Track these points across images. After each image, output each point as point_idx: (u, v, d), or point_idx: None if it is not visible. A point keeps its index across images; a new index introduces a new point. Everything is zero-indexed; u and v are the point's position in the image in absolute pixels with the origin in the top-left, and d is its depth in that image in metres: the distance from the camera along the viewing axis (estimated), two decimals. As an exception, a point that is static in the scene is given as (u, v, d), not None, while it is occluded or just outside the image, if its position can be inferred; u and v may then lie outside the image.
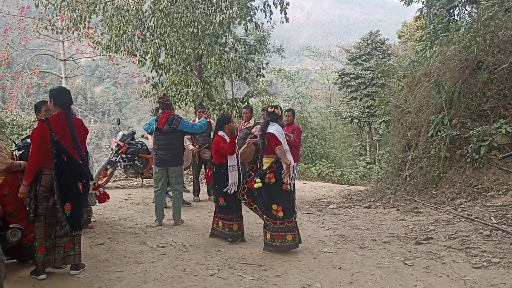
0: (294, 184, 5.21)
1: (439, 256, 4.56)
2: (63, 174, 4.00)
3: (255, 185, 4.82)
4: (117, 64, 20.96)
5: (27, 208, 4.17)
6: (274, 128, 4.88)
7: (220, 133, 5.49)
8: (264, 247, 4.96)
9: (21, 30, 19.23)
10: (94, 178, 7.39)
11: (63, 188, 3.97)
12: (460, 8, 10.97)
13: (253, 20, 12.78)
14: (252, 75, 14.91)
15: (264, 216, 4.90)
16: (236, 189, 5.30)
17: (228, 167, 5.34)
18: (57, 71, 23.76)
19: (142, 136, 9.89)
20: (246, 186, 5.07)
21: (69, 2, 11.96)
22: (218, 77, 14.21)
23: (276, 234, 4.83)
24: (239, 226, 5.42)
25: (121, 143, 8.72)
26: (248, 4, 12.22)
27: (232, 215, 5.37)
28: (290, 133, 7.10)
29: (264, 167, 4.91)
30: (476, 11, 9.59)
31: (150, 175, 8.38)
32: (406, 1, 13.69)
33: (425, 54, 10.89)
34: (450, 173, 7.58)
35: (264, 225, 4.97)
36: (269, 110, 5.11)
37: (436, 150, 7.95)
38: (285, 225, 4.82)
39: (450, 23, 10.50)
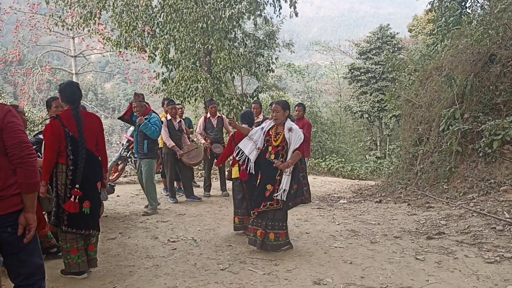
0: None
1: (451, 251, 4.52)
2: (87, 167, 3.88)
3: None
4: (127, 60, 21.04)
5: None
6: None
7: (245, 126, 5.54)
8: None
9: (32, 27, 19.37)
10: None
11: (81, 185, 3.84)
12: (472, 1, 10.83)
13: (262, 14, 12.76)
14: (262, 70, 14.89)
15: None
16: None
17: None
18: (68, 68, 23.92)
19: None
20: None
21: (79, -1, 12.04)
22: (227, 72, 14.23)
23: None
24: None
25: (131, 139, 8.76)
26: (257, -1, 12.21)
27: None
28: (300, 128, 7.09)
29: None
30: (488, 3, 9.46)
31: (160, 170, 8.42)
32: (417, -6, 13.54)
33: (436, 47, 10.78)
34: (462, 168, 7.50)
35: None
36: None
37: (448, 144, 7.87)
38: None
39: (462, 16, 10.37)
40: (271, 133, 4.81)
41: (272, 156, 4.71)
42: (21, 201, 2.34)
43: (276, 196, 4.59)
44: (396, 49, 24.70)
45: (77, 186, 3.80)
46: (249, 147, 4.83)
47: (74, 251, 3.87)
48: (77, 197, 3.80)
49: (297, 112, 7.87)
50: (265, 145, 4.78)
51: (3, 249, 2.32)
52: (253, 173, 4.88)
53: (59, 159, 3.86)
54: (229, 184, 9.44)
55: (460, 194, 6.93)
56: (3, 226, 2.26)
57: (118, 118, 7.64)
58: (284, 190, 4.59)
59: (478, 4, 11.27)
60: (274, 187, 4.65)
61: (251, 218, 4.84)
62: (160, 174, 8.70)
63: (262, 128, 4.86)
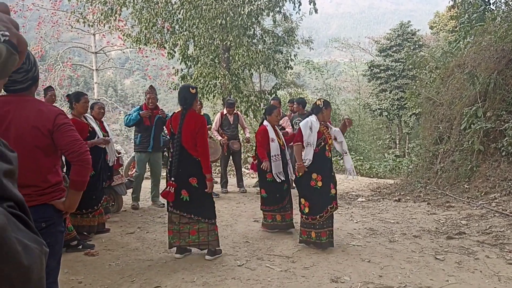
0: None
1: (472, 252, 4.45)
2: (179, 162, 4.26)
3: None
4: (146, 56, 21.20)
5: None
6: (304, 121, 4.87)
7: (265, 123, 5.54)
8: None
9: (54, 23, 19.65)
10: (124, 168, 7.57)
11: (176, 178, 4.25)
12: (496, -3, 10.59)
13: (282, 11, 12.70)
14: (280, 67, 14.82)
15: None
16: (283, 179, 5.31)
17: (271, 157, 5.36)
18: (89, 64, 24.25)
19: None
20: None
21: (100, -5, 12.17)
22: (246, 69, 14.19)
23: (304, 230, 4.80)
24: (283, 217, 5.44)
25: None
26: (277, -4, 12.15)
27: (273, 206, 5.42)
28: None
29: None
30: (513, -1, 9.26)
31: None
32: (439, -10, 13.32)
33: (458, 44, 10.58)
34: (483, 167, 7.37)
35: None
36: (317, 102, 5.02)
37: (469, 143, 7.73)
38: (309, 221, 4.76)
39: (486, 13, 10.16)
40: (322, 131, 4.80)
41: (330, 154, 4.84)
42: (59, 198, 2.39)
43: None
44: (417, 46, 24.33)
45: (172, 178, 4.24)
46: (311, 153, 4.79)
47: (170, 232, 4.38)
48: (173, 188, 4.23)
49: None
50: (322, 143, 4.76)
51: None
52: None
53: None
54: (246, 180, 9.47)
55: (482, 194, 6.81)
56: (39, 218, 2.28)
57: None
58: (351, 166, 5.02)
59: (503, 1, 11.02)
60: (335, 187, 4.80)
61: (306, 221, 4.79)
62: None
63: (311, 129, 4.82)
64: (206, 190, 4.29)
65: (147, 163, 6.96)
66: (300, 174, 4.74)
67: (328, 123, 4.91)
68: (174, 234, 4.34)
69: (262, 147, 5.47)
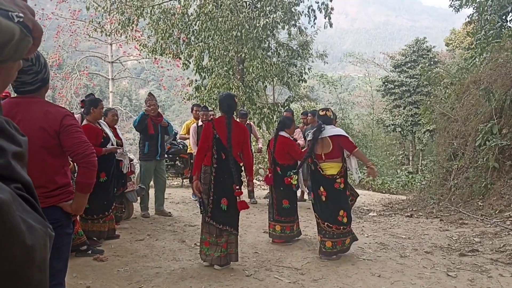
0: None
1: (485, 269, 4.36)
2: (221, 170, 4.31)
3: (292, 181, 5.02)
4: (162, 67, 21.44)
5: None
6: (337, 130, 4.87)
7: (283, 133, 5.54)
8: (323, 256, 4.75)
9: (72, 32, 20.00)
10: (136, 176, 7.60)
11: (218, 184, 4.31)
12: (514, 14, 10.53)
13: (297, 25, 12.77)
14: (294, 80, 14.86)
15: (326, 223, 4.72)
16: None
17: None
18: (105, 73, 24.55)
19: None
20: None
21: (118, 5, 12.35)
22: (260, 81, 14.25)
23: (338, 240, 4.71)
24: (298, 225, 5.58)
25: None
26: (292, 9, 12.23)
27: (293, 216, 5.48)
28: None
29: (330, 172, 4.77)
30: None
31: (189, 175, 8.50)
32: (455, 7, 13.29)
33: (474, 61, 10.50)
34: (498, 185, 7.25)
35: (322, 233, 4.78)
36: (321, 113, 5.04)
37: (484, 160, 7.63)
38: (347, 230, 4.75)
39: (503, 29, 10.10)
40: None
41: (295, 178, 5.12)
42: (67, 201, 2.40)
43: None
44: (432, 62, 24.23)
45: (237, 187, 4.31)
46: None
47: (206, 243, 4.35)
48: (241, 196, 4.35)
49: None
50: None
51: None
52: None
53: (205, 161, 4.36)
54: (257, 192, 9.44)
55: (496, 212, 6.68)
56: (47, 219, 2.29)
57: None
58: (356, 168, 4.95)
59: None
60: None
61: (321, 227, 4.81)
62: (188, 180, 8.76)
63: None
64: (249, 189, 4.54)
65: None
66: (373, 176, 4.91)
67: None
68: (211, 246, 4.33)
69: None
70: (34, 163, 2.24)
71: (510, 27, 10.37)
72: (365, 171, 5.78)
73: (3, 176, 0.65)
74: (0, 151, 0.66)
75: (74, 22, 19.87)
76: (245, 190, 8.87)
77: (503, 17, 10.48)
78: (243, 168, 4.70)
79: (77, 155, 2.34)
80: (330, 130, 4.83)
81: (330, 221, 4.69)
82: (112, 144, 5.20)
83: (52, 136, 2.32)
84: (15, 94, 2.45)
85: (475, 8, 11.64)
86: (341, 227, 4.68)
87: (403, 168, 24.09)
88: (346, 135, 4.87)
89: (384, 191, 14.07)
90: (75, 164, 2.55)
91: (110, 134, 5.23)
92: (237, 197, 4.32)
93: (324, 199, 4.74)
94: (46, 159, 2.33)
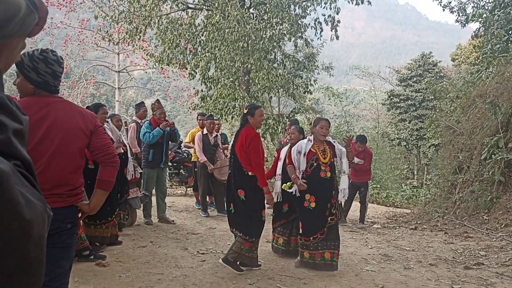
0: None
1: (490, 283, 4.30)
2: (230, 175, 4.61)
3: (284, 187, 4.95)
4: (168, 77, 21.58)
5: None
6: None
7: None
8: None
9: (80, 42, 20.19)
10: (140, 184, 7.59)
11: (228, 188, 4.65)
12: (520, 29, 10.54)
13: (303, 37, 12.83)
14: (300, 91, 14.88)
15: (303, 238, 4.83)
16: (280, 199, 5.24)
17: (276, 175, 5.36)
18: (111, 82, 24.70)
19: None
20: None
21: (126, 15, 12.47)
22: (265, 92, 14.29)
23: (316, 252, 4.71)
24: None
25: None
26: (299, 21, 12.30)
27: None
28: (361, 159, 7.31)
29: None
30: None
31: (193, 184, 8.50)
32: (462, 22, 13.32)
33: (480, 75, 10.50)
34: (504, 199, 7.19)
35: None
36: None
37: (490, 174, 7.58)
38: (302, 241, 4.73)
39: (509, 44, 10.11)
40: (314, 151, 4.77)
41: (329, 174, 4.73)
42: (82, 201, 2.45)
43: (334, 209, 4.72)
44: (437, 77, 24.20)
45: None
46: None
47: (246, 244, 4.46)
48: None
49: (360, 149, 7.95)
50: (315, 164, 4.74)
51: (50, 240, 2.35)
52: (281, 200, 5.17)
53: None
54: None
55: (502, 226, 6.62)
56: (66, 218, 2.32)
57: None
58: (344, 189, 4.85)
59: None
60: (331, 203, 4.72)
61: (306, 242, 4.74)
62: (192, 188, 8.76)
63: (299, 152, 4.82)
64: (266, 203, 4.54)
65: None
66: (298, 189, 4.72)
67: (333, 141, 4.97)
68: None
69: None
70: (69, 161, 2.32)
71: (516, 41, 10.39)
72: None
73: (3, 152, 0.64)
74: (1, 126, 0.65)
75: (82, 31, 20.08)
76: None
77: (510, 32, 10.49)
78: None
79: (106, 155, 2.43)
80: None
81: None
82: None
83: (87, 136, 2.38)
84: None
85: (482, 22, 11.67)
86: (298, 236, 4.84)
87: (407, 182, 23.94)
88: (292, 150, 4.98)
89: (388, 205, 13.98)
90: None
91: (114, 139, 5.24)
92: (242, 201, 4.41)
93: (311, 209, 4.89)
94: (78, 159, 2.39)
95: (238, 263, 4.45)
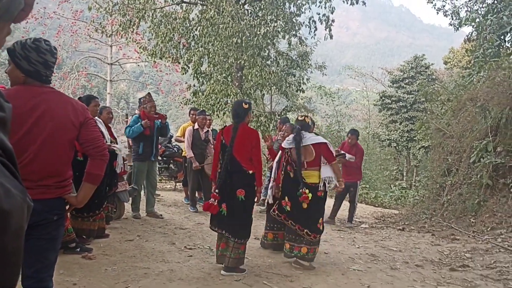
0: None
1: (474, 285, 4.34)
2: (223, 175, 4.31)
3: (307, 197, 4.66)
4: (161, 71, 21.47)
5: None
6: (319, 138, 4.87)
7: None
8: (295, 260, 4.76)
9: (73, 33, 20.02)
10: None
11: (220, 190, 4.29)
12: (512, 34, 10.62)
13: (297, 35, 12.83)
14: (292, 89, 14.88)
15: (305, 230, 4.66)
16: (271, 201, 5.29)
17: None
18: (103, 75, 24.53)
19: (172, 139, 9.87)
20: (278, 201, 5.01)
21: (120, 7, 12.38)
22: (258, 89, 14.27)
23: (312, 248, 4.71)
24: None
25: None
26: (294, 19, 12.29)
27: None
28: (352, 155, 7.28)
29: (313, 180, 4.76)
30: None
31: (182, 178, 8.47)
32: (455, 25, 13.39)
33: (472, 78, 10.57)
34: (491, 202, 7.25)
35: (297, 240, 4.73)
36: (299, 118, 5.03)
37: (478, 177, 7.64)
38: (319, 238, 4.77)
39: (501, 49, 10.18)
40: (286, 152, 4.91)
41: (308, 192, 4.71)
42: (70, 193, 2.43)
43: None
44: (430, 80, 24.33)
45: (216, 190, 4.25)
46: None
47: (223, 245, 4.36)
48: (216, 200, 4.22)
49: (349, 140, 7.92)
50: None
51: (36, 231, 2.32)
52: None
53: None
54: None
55: (488, 229, 6.68)
56: (53, 210, 2.30)
57: None
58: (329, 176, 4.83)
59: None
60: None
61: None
62: (182, 183, 8.73)
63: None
64: (255, 200, 4.47)
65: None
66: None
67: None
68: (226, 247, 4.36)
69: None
70: (58, 153, 2.30)
71: (508, 46, 10.47)
72: None
73: None
74: None
75: (75, 22, 19.91)
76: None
77: (502, 37, 10.57)
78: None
79: (96, 148, 2.41)
80: (313, 138, 4.84)
81: (310, 229, 4.66)
82: (106, 142, 5.17)
83: (76, 128, 2.36)
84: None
85: (474, 27, 11.74)
86: (318, 235, 4.74)
87: (396, 183, 24.08)
88: (327, 141, 4.90)
89: (377, 205, 14.04)
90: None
91: (105, 132, 5.20)
92: (241, 201, 4.26)
93: (305, 207, 4.67)
94: (66, 150, 2.37)
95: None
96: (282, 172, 4.90)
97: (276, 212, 4.88)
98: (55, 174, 2.31)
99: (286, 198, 4.79)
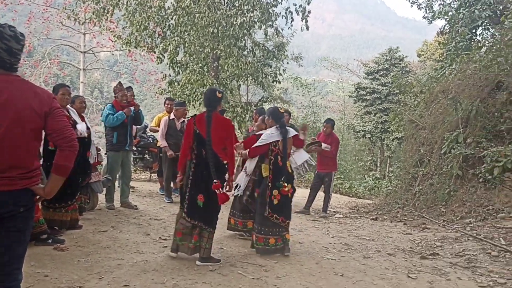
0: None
1: (444, 272, 4.46)
2: (200, 166, 4.25)
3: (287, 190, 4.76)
4: (135, 60, 21.13)
5: None
6: (293, 131, 4.96)
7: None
8: (261, 253, 4.79)
9: (45, 19, 19.50)
10: (102, 168, 7.44)
11: (196, 180, 4.26)
12: (483, 28, 10.86)
13: (274, 25, 12.79)
14: (268, 80, 14.87)
15: (287, 221, 4.83)
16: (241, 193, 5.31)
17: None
18: (76, 63, 24.02)
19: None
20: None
21: (93, -6, 12.11)
22: (234, 80, 14.21)
23: (279, 237, 4.81)
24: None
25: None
26: (270, 10, 12.24)
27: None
28: (328, 144, 7.34)
29: (290, 170, 4.92)
30: (499, 32, 9.49)
31: (157, 169, 8.40)
32: (428, 18, 13.61)
33: (444, 71, 10.80)
34: (461, 192, 7.46)
35: (279, 231, 4.79)
36: (282, 110, 5.06)
37: (449, 167, 7.84)
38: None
39: (472, 42, 10.41)
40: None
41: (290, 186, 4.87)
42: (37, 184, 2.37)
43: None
44: (403, 72, 24.69)
45: (215, 180, 4.17)
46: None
47: (179, 234, 4.33)
48: (220, 188, 4.21)
49: (325, 129, 7.98)
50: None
51: (2, 224, 2.27)
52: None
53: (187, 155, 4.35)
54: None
55: (457, 218, 6.88)
56: (18, 202, 2.25)
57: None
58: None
59: (489, 33, 11.32)
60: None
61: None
62: (157, 173, 8.66)
63: None
64: (227, 190, 4.40)
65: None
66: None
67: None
68: (184, 236, 4.32)
69: None
70: (22, 144, 2.24)
71: (479, 40, 10.70)
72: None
73: None
74: None
75: (47, 9, 19.39)
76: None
77: (473, 30, 10.81)
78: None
79: (64, 138, 2.34)
80: (291, 130, 4.95)
81: (287, 217, 4.83)
82: (81, 133, 5.08)
83: (41, 118, 2.29)
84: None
85: (447, 20, 11.96)
86: (288, 221, 4.87)
87: (370, 174, 24.46)
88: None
89: (351, 195, 14.26)
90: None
91: (78, 120, 5.10)
92: (217, 191, 4.20)
93: (289, 196, 4.82)
94: (30, 141, 2.30)
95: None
96: (271, 166, 4.83)
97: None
98: (19, 165, 2.24)
99: (275, 191, 4.78)
